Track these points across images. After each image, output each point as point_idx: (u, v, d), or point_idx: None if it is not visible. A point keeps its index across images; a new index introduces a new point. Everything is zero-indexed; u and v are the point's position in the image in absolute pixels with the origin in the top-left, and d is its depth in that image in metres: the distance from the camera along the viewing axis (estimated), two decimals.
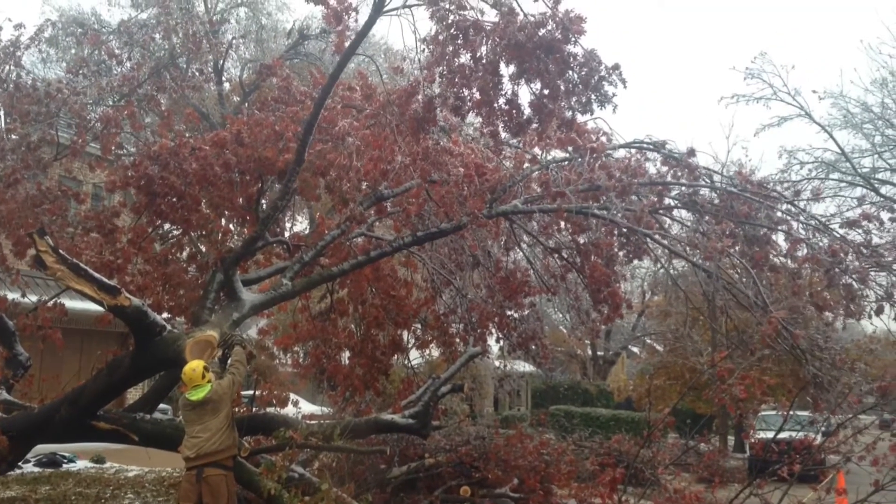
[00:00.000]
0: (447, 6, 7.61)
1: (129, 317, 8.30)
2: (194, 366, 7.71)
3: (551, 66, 7.48)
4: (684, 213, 10.81)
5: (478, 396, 25.12)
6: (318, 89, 10.99)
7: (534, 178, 11.09)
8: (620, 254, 10.81)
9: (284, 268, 10.83)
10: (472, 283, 12.80)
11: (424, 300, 12.68)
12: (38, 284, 16.31)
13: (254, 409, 10.60)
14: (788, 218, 10.06)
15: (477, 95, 8.10)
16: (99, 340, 16.46)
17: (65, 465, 15.62)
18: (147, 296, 10.42)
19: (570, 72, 7.57)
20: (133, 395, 16.59)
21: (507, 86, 7.92)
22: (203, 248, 11.30)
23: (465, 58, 7.89)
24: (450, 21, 7.63)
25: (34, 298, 11.58)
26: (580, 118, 8.36)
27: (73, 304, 11.40)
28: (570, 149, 10.26)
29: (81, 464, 16.01)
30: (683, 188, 10.37)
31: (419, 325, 13.41)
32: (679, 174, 10.29)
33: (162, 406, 11.49)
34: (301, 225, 22.99)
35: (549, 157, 11.06)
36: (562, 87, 7.66)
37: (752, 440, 14.06)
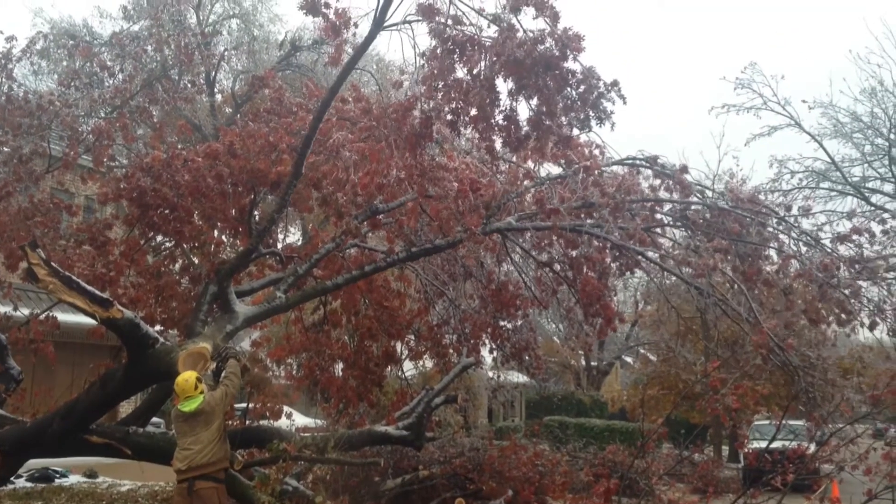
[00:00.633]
0: (445, 22, 7.63)
1: (122, 329, 8.26)
2: (186, 377, 7.68)
3: (550, 83, 7.50)
4: (677, 230, 10.85)
5: (472, 407, 25.08)
6: (313, 100, 11.02)
7: (527, 193, 11.10)
8: (614, 266, 10.83)
9: (277, 279, 10.81)
10: (464, 294, 12.80)
11: (418, 311, 12.67)
12: (31, 297, 16.25)
13: (247, 422, 10.57)
14: (780, 233, 10.09)
15: (473, 111, 8.11)
16: (91, 353, 16.39)
17: (57, 480, 15.52)
18: (139, 308, 10.38)
19: (569, 88, 7.58)
20: (126, 408, 16.50)
21: (505, 101, 7.93)
22: (196, 260, 11.28)
23: (461, 73, 7.90)
24: (446, 36, 7.66)
25: (26, 312, 11.54)
26: (575, 131, 8.38)
27: (65, 317, 11.37)
28: (563, 163, 10.27)
29: (74, 478, 15.91)
30: (676, 204, 10.41)
31: (412, 336, 13.39)
32: (671, 186, 10.32)
33: (155, 419, 11.44)
34: (294, 236, 23.02)
35: (542, 172, 11.08)
36: (560, 104, 7.67)
37: (746, 450, 14.06)
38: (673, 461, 13.38)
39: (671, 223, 10.55)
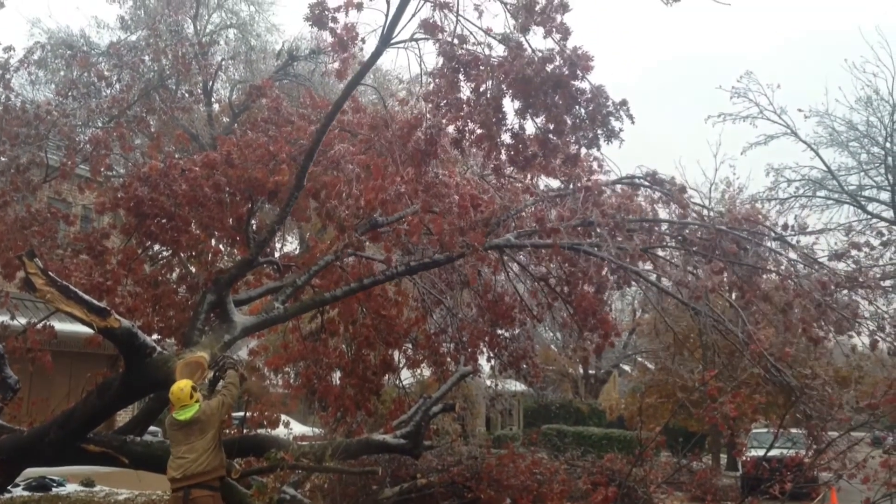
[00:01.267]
0: (451, 41, 7.66)
1: (119, 339, 8.26)
2: (182, 385, 7.67)
3: (559, 101, 7.52)
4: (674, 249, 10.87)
5: (469, 416, 25.02)
6: (316, 112, 11.05)
7: (527, 208, 11.12)
8: (612, 278, 10.84)
9: (275, 288, 10.81)
10: (462, 303, 12.80)
11: (415, 320, 12.66)
12: (28, 307, 16.24)
13: (245, 431, 10.55)
14: (778, 253, 10.12)
15: (478, 130, 8.14)
16: (88, 363, 16.34)
17: (54, 489, 15.50)
18: (137, 317, 10.38)
19: (577, 107, 7.60)
20: (123, 417, 16.48)
21: (512, 120, 7.97)
22: (193, 269, 11.28)
23: (466, 92, 7.93)
24: (452, 55, 7.69)
25: (23, 321, 11.53)
26: (583, 150, 8.40)
27: (62, 326, 11.36)
28: (564, 179, 10.28)
29: (71, 487, 15.89)
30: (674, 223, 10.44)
31: (410, 345, 13.38)
32: (668, 199, 10.36)
33: (152, 428, 11.42)
34: (291, 245, 23.01)
35: (542, 184, 11.11)
36: (568, 122, 7.69)
37: (745, 458, 14.05)
38: (671, 469, 13.35)
39: (669, 244, 10.56)
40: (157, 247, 11.15)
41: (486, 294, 11.85)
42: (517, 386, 26.73)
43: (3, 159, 10.60)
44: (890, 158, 24.00)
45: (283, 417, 12.08)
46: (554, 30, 7.37)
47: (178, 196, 9.95)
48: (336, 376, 12.62)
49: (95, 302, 8.17)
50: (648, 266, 10.63)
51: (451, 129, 8.47)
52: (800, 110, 31.99)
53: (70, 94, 11.90)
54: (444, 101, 8.01)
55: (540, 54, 7.45)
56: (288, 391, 13.38)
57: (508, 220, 10.39)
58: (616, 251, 9.66)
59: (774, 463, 11.79)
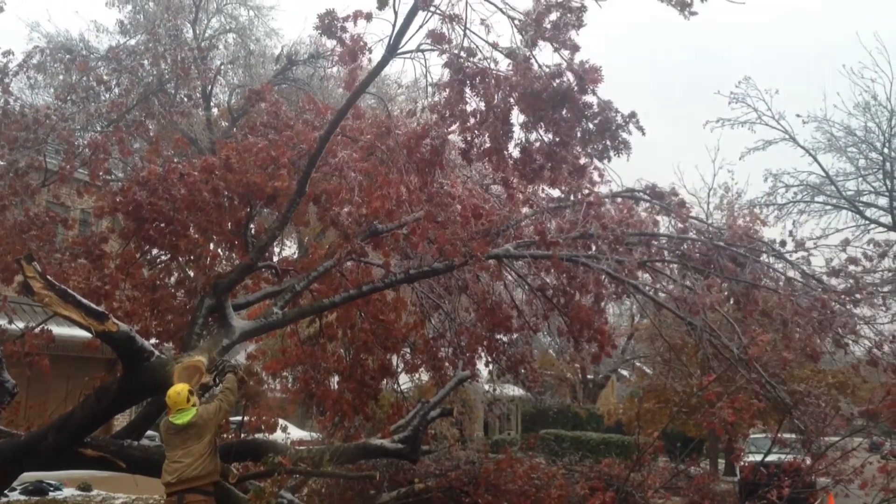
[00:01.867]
0: (458, 53, 7.68)
1: (117, 343, 8.25)
2: (179, 389, 7.66)
3: (567, 115, 7.53)
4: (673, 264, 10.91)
5: (467, 421, 25.01)
6: (318, 117, 11.07)
7: (526, 218, 11.16)
8: (611, 288, 10.87)
9: (273, 292, 10.82)
10: (460, 307, 12.80)
11: (413, 324, 12.66)
12: (26, 311, 16.22)
13: (242, 435, 10.54)
14: (776, 270, 10.16)
15: (487, 143, 8.16)
16: (86, 367, 16.36)
17: (51, 493, 15.48)
18: (135, 321, 10.38)
19: (585, 121, 7.61)
20: (120, 421, 16.47)
21: (519, 134, 8.00)
22: (191, 273, 11.28)
23: (473, 104, 7.95)
24: (458, 67, 7.71)
25: (21, 325, 11.52)
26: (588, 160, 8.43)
27: (60, 330, 11.35)
28: (564, 191, 10.31)
29: (68, 491, 15.87)
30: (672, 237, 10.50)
31: (408, 350, 13.38)
32: (668, 213, 10.42)
33: (149, 432, 11.39)
34: (289, 249, 23.00)
35: (542, 194, 11.12)
36: (578, 135, 7.71)
37: (742, 463, 14.06)
38: (669, 474, 13.34)
39: (667, 259, 10.60)
40: (155, 251, 11.14)
41: (484, 302, 11.85)
42: (515, 390, 26.67)
43: (1, 163, 10.61)
44: (888, 164, 24.04)
45: (281, 422, 12.08)
46: (562, 45, 7.39)
47: (176, 200, 9.95)
48: (334, 381, 12.63)
49: (93, 306, 8.17)
50: (647, 276, 10.67)
51: (458, 139, 8.49)
52: (798, 116, 31.94)
53: (69, 98, 11.93)
54: (450, 113, 8.03)
55: (547, 69, 7.46)
56: (286, 395, 13.39)
57: (508, 230, 10.42)
58: (615, 264, 9.70)
59: (772, 468, 11.79)
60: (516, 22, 7.50)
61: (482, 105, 7.96)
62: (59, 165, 11.12)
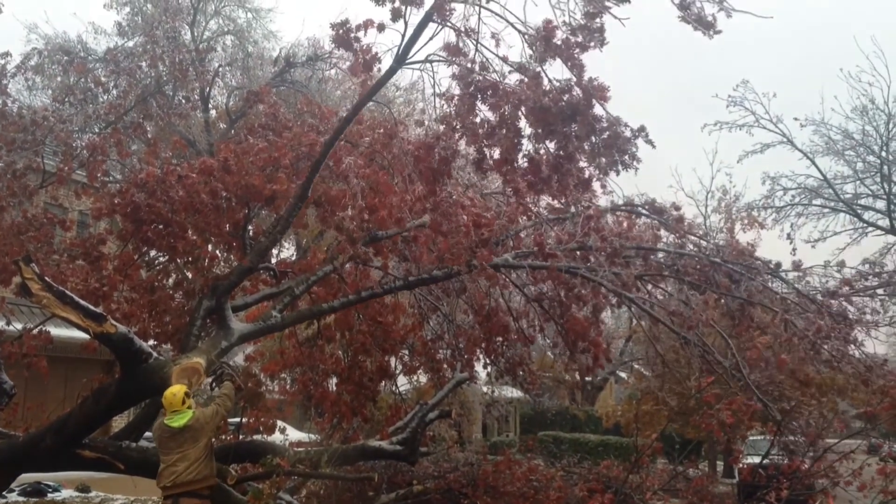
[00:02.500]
0: (469, 67, 7.72)
1: (115, 344, 8.24)
2: (175, 391, 7.64)
3: (576, 129, 7.58)
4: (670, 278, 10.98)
5: (466, 422, 25.02)
6: (309, 116, 11.08)
7: (525, 229, 11.20)
8: (608, 299, 10.91)
9: (271, 294, 10.82)
10: (459, 310, 12.80)
11: (412, 326, 12.66)
12: (24, 312, 16.19)
13: (241, 437, 10.53)
14: (771, 290, 10.22)
15: (496, 154, 8.21)
16: (84, 368, 16.35)
17: (49, 495, 15.44)
18: (133, 323, 10.37)
19: (595, 136, 7.65)
20: (119, 422, 16.44)
21: (527, 145, 8.04)
22: (189, 275, 11.28)
23: (484, 115, 8.00)
24: (470, 80, 7.75)
25: (19, 326, 11.51)
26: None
27: (58, 331, 11.35)
28: (563, 203, 10.35)
29: (66, 493, 15.83)
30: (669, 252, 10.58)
31: (406, 352, 13.38)
32: (663, 224, 10.49)
33: (148, 434, 11.38)
34: (288, 251, 23.00)
35: (542, 204, 11.16)
36: (586, 149, 7.76)
37: (741, 465, 14.05)
38: (667, 476, 13.34)
39: (664, 274, 10.65)
40: (153, 252, 11.14)
41: (482, 308, 11.84)
42: (514, 392, 26.71)
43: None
44: (885, 167, 24.10)
45: (280, 423, 12.07)
46: (571, 62, 7.43)
47: (175, 202, 9.95)
48: (332, 382, 12.62)
49: (91, 307, 8.16)
50: (643, 289, 10.71)
51: (470, 150, 8.55)
52: (796, 119, 32.08)
53: (67, 99, 11.95)
54: (461, 125, 8.07)
55: (558, 83, 7.51)
56: (284, 397, 13.38)
57: (507, 240, 10.45)
58: (612, 276, 9.74)
59: (771, 470, 11.78)
60: (527, 37, 7.54)
61: (490, 116, 8.01)
62: (56, 167, 11.12)
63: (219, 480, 8.15)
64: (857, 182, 25.08)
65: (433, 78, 8.37)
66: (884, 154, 24.07)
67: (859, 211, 25.19)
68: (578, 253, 10.12)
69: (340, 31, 8.01)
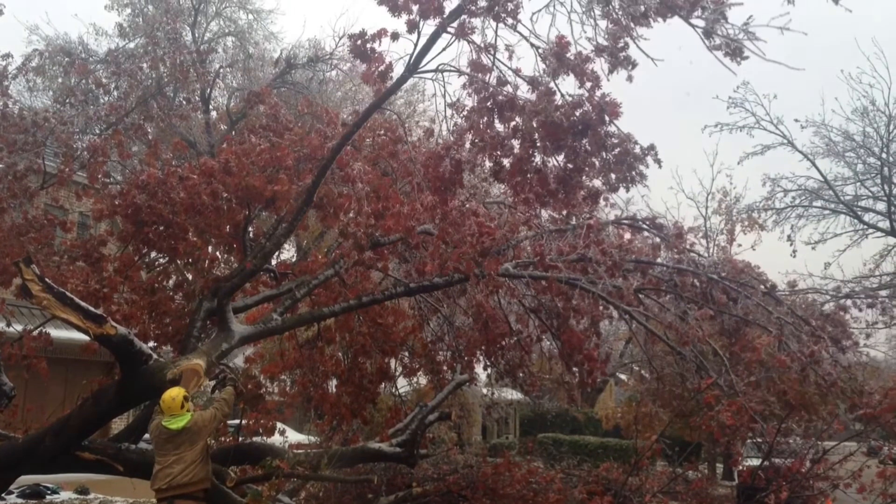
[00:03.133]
0: (487, 81, 7.77)
1: (115, 346, 8.25)
2: (174, 394, 7.64)
3: (588, 144, 7.62)
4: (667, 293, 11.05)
5: (466, 424, 25.03)
6: (309, 117, 11.10)
7: (526, 240, 11.22)
8: (607, 312, 10.96)
9: (271, 296, 10.82)
10: (459, 311, 12.80)
11: (412, 328, 12.66)
12: (24, 313, 16.20)
13: (240, 438, 10.53)
14: (767, 308, 10.27)
15: (507, 166, 8.26)
16: (84, 370, 16.36)
17: (48, 496, 15.45)
18: (133, 324, 10.36)
19: (606, 152, 7.69)
20: (118, 424, 16.45)
21: (538, 158, 8.08)
22: (190, 277, 11.27)
23: (500, 128, 8.04)
24: (488, 94, 7.79)
25: (19, 327, 11.51)
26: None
27: (58, 333, 11.34)
28: (564, 214, 10.39)
29: (65, 495, 15.83)
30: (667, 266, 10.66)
31: (406, 353, 13.39)
32: (663, 240, 10.56)
33: (147, 436, 11.39)
34: (288, 252, 22.98)
35: (544, 215, 11.20)
36: (596, 164, 7.81)
37: (741, 468, 14.06)
38: (667, 479, 13.34)
39: (662, 288, 10.70)
40: (153, 254, 11.14)
41: (480, 315, 11.84)
42: (513, 394, 26.72)
43: (0, 166, 10.60)
44: (886, 169, 24.09)
45: (279, 425, 12.06)
46: (584, 78, 7.47)
47: (176, 204, 9.95)
48: (332, 384, 12.62)
49: (92, 309, 8.16)
50: (640, 316, 10.77)
51: (478, 159, 8.59)
52: (796, 120, 32.12)
53: (68, 101, 11.93)
54: (480, 139, 8.11)
55: (570, 98, 7.55)
56: (284, 399, 13.37)
57: (508, 249, 10.48)
58: (612, 289, 9.79)
59: (771, 472, 11.79)
60: (540, 50, 7.57)
61: (501, 128, 8.06)
62: (57, 168, 11.12)
63: (217, 482, 8.15)
64: (858, 184, 25.09)
65: (444, 87, 8.41)
66: (884, 156, 24.06)
67: (860, 213, 25.19)
68: (577, 265, 10.16)
69: (358, 42, 8.04)
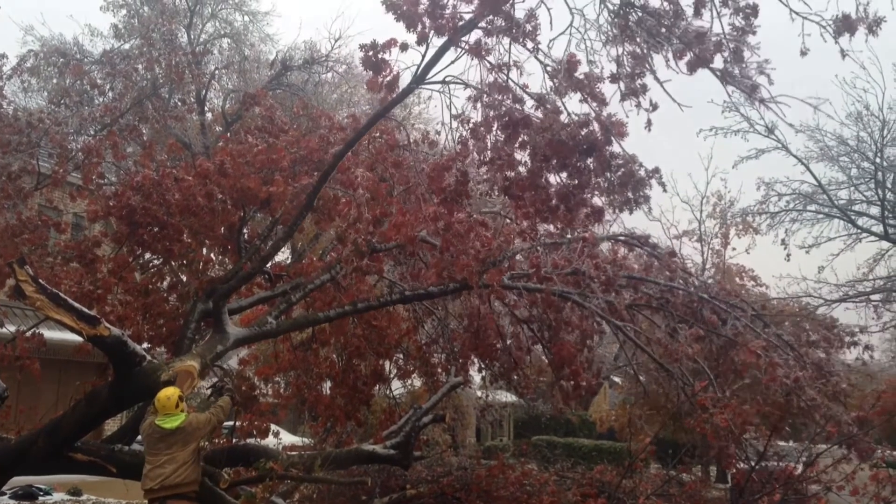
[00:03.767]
0: (501, 99, 7.81)
1: (109, 347, 8.22)
2: (169, 394, 7.64)
3: (593, 164, 7.66)
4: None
5: (460, 427, 25.02)
6: (303, 117, 11.10)
7: (522, 252, 11.27)
8: (600, 326, 11.01)
9: (266, 298, 10.80)
10: (454, 314, 12.81)
11: (406, 330, 12.66)
12: (17, 314, 16.17)
13: (234, 440, 10.51)
14: (756, 329, 10.34)
15: (514, 181, 8.31)
16: (77, 371, 16.29)
17: (41, 498, 15.41)
18: (127, 326, 10.34)
19: (610, 173, 7.73)
20: (111, 425, 16.40)
21: (548, 174, 8.14)
22: (184, 278, 11.26)
23: (507, 144, 8.08)
24: (498, 113, 7.82)
25: (12, 328, 11.49)
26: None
27: (51, 334, 11.32)
28: (558, 229, 10.45)
29: (58, 496, 15.79)
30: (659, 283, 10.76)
31: (401, 355, 13.38)
32: (655, 257, 10.65)
33: (140, 437, 11.37)
34: (283, 254, 22.94)
35: (540, 230, 11.24)
36: (602, 184, 7.86)
37: (734, 470, 14.06)
38: (661, 481, 13.35)
39: (653, 306, 10.77)
40: (147, 255, 11.12)
41: (472, 324, 11.83)
42: (508, 397, 26.70)
43: None
44: (880, 173, 24.11)
45: (273, 427, 12.04)
46: (591, 97, 7.50)
47: (170, 205, 9.94)
48: (326, 386, 12.60)
49: (85, 310, 8.14)
50: (631, 332, 10.85)
51: (482, 171, 8.65)
52: (791, 125, 32.13)
53: (63, 101, 11.92)
54: (497, 157, 8.15)
55: (576, 118, 7.58)
56: (278, 401, 13.36)
57: (504, 261, 10.51)
58: (604, 304, 9.84)
59: (764, 475, 11.80)
60: (549, 68, 7.60)
61: (521, 148, 8.11)
62: (52, 169, 11.11)
63: (211, 484, 8.14)
64: (852, 188, 25.10)
65: (449, 99, 8.43)
66: (878, 160, 24.07)
67: (853, 217, 25.21)
68: (570, 278, 10.20)
69: (369, 54, 8.06)
